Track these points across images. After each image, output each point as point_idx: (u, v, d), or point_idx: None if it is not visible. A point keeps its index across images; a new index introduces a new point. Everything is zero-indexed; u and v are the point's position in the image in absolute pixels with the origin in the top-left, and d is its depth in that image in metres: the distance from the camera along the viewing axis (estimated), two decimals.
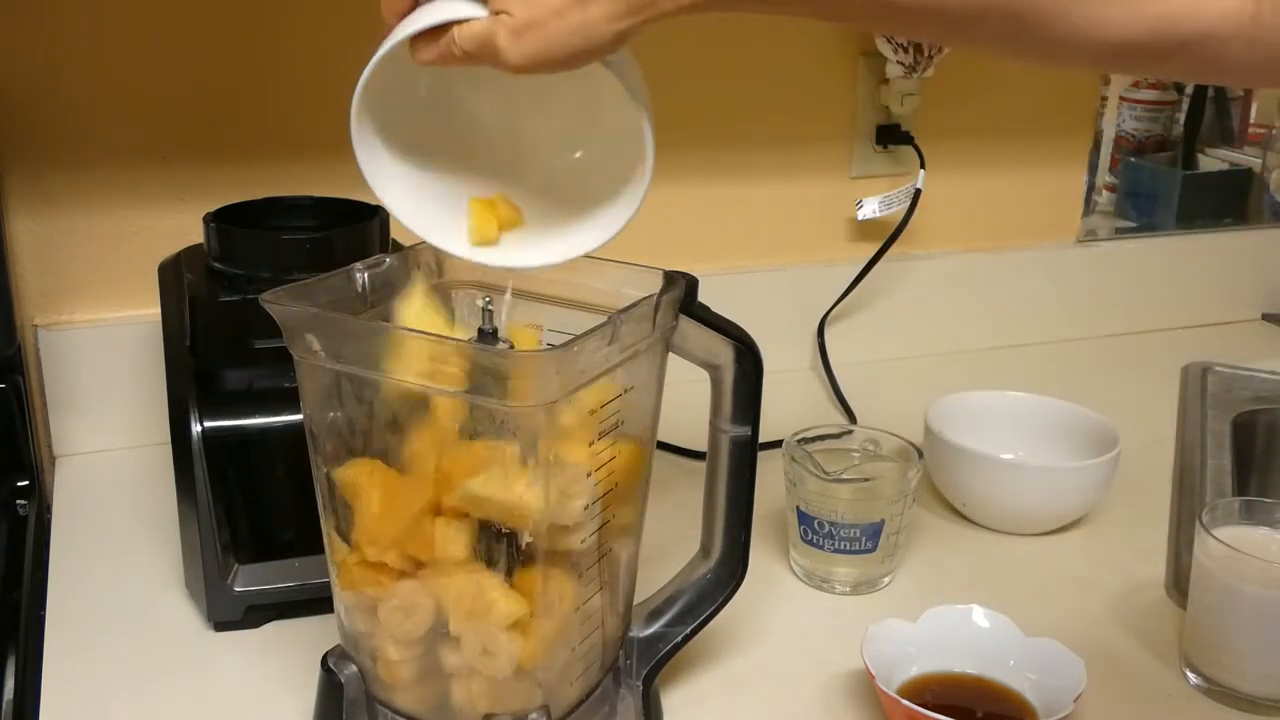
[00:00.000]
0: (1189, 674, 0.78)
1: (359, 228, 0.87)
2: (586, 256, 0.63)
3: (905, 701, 0.67)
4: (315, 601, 0.78)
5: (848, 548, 0.86)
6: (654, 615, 0.72)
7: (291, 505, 0.80)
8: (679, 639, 0.72)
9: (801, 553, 0.89)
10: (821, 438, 0.93)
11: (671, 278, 0.65)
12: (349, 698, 0.66)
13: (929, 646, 0.74)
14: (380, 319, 0.65)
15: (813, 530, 0.86)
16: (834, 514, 0.85)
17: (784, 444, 0.90)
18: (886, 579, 0.89)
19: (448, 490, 0.60)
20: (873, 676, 0.68)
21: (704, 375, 0.69)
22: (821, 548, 0.86)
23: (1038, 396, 1.04)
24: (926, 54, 1.20)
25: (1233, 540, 0.74)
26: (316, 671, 0.67)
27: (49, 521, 0.94)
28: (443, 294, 0.71)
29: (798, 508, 0.87)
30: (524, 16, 0.52)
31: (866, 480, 0.87)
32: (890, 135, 1.25)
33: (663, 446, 1.04)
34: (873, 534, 0.85)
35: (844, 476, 0.88)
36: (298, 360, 0.61)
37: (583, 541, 0.62)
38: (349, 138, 0.58)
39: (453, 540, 0.60)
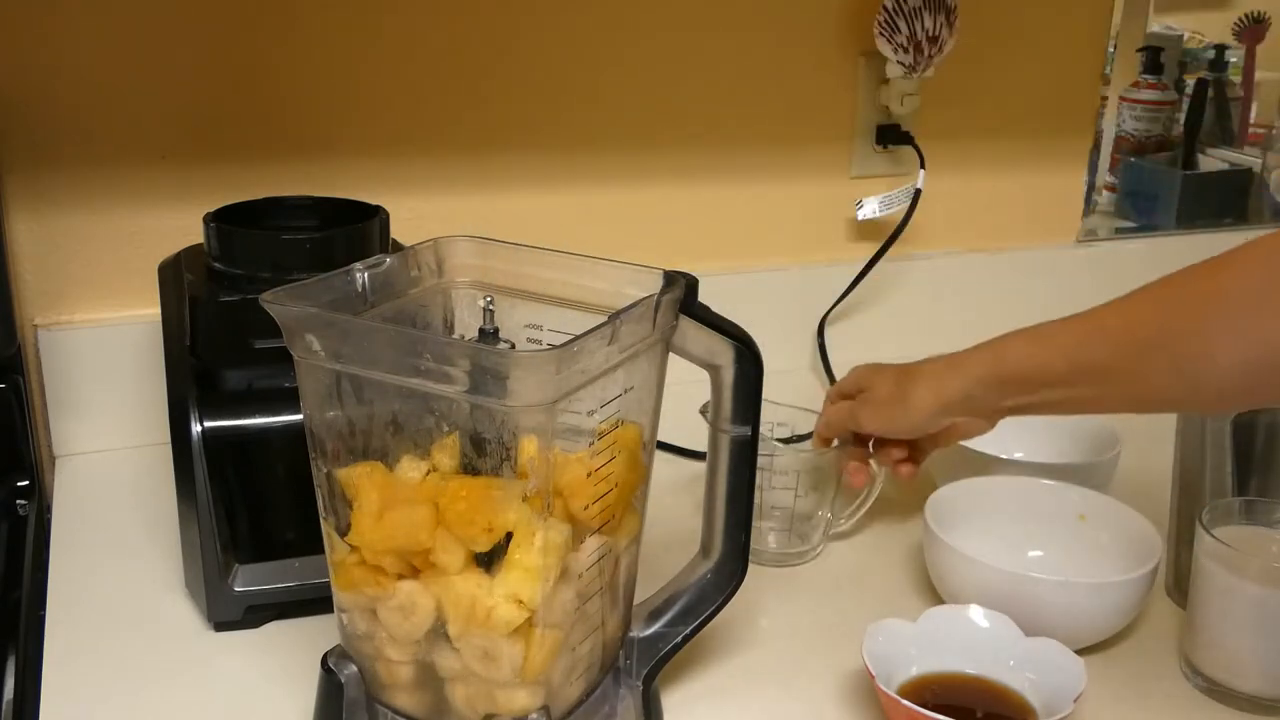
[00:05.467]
0: (1189, 674, 0.78)
1: (359, 228, 0.87)
2: (586, 256, 0.62)
3: (905, 701, 0.67)
4: (315, 601, 0.78)
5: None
6: (654, 615, 0.72)
7: (291, 505, 0.80)
8: (679, 639, 0.72)
9: None
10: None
11: (671, 278, 0.65)
12: (349, 698, 0.66)
13: (929, 646, 0.74)
14: (380, 318, 0.65)
15: None
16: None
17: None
18: None
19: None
20: (873, 676, 0.68)
21: (704, 375, 0.69)
22: None
23: None
24: (926, 54, 1.20)
25: (1232, 540, 0.74)
26: (316, 671, 0.67)
27: (49, 521, 0.94)
28: (443, 294, 0.71)
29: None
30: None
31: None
32: (890, 135, 1.25)
33: (663, 446, 1.04)
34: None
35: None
36: (298, 360, 0.61)
37: (583, 542, 0.62)
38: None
39: (451, 549, 0.59)
